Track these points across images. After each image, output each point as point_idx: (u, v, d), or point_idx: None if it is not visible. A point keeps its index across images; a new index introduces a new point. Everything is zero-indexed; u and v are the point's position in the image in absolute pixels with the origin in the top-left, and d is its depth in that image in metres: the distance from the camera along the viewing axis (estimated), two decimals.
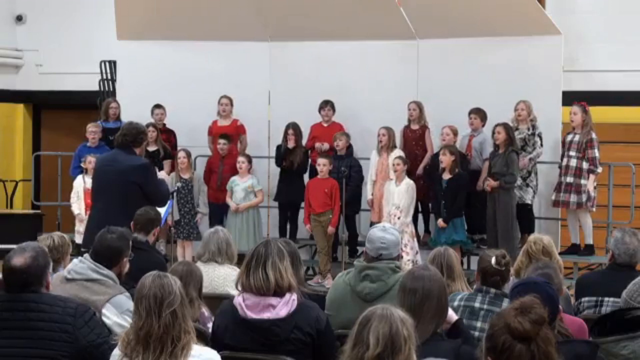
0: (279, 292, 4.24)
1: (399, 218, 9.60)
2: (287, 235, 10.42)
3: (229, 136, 10.75)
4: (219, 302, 4.73)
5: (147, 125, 10.59)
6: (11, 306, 4.05)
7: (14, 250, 4.19)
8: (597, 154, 9.68)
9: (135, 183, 7.29)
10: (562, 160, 9.88)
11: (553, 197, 9.94)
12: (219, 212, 10.59)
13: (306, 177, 10.67)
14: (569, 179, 9.76)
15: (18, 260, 4.10)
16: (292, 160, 10.47)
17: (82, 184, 10.26)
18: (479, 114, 10.16)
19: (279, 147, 10.67)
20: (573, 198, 9.75)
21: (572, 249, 9.95)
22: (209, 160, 10.94)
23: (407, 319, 3.33)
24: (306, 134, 10.78)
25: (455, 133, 10.06)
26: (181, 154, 10.49)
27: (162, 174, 8.24)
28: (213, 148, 11.02)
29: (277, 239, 4.47)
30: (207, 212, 10.54)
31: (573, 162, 9.75)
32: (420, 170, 10.33)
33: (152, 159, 10.19)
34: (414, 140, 10.44)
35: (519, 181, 9.88)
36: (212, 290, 5.91)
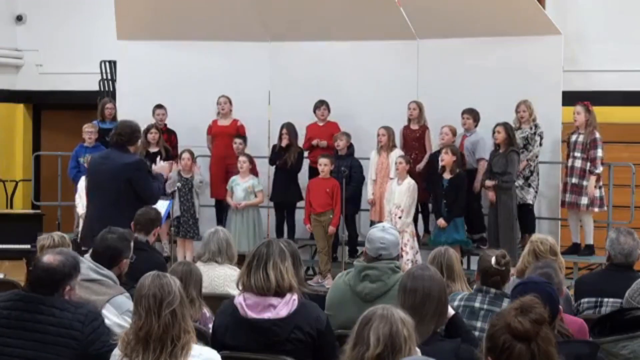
0: (280, 292, 4.24)
1: (399, 217, 9.60)
2: (285, 235, 10.43)
3: (243, 136, 10.75)
4: (219, 302, 4.73)
5: (149, 127, 10.63)
6: (23, 306, 4.04)
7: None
8: (599, 154, 9.67)
9: (127, 180, 7.32)
10: (567, 160, 9.89)
11: (560, 198, 9.95)
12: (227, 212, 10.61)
13: (300, 176, 10.67)
14: (574, 180, 9.76)
15: (47, 259, 4.14)
16: (286, 159, 10.47)
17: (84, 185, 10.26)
18: (471, 114, 10.17)
19: (274, 147, 10.68)
20: (578, 199, 9.75)
21: (573, 249, 9.95)
22: (216, 161, 10.88)
23: (408, 319, 3.33)
24: (302, 134, 10.79)
25: (454, 133, 10.06)
26: (185, 155, 10.49)
27: (173, 170, 8.18)
28: (212, 148, 11.02)
29: (279, 239, 4.47)
30: (203, 181, 10.54)
31: (578, 163, 9.75)
32: (420, 167, 10.32)
33: (154, 161, 10.21)
34: (414, 140, 10.45)
35: (521, 181, 9.89)
36: (212, 290, 5.91)
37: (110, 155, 7.57)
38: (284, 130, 10.51)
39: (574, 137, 9.84)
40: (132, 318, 3.74)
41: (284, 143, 10.47)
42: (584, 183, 9.70)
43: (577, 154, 9.76)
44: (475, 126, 10.18)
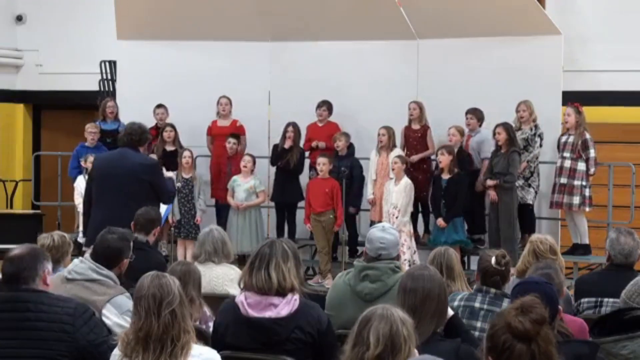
0: (281, 292, 4.24)
1: (397, 217, 9.60)
2: (286, 235, 10.42)
3: (238, 135, 10.76)
4: (219, 302, 4.73)
5: (165, 125, 10.67)
6: (10, 306, 4.05)
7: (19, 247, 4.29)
8: (592, 154, 9.71)
9: (146, 181, 7.36)
10: (557, 161, 9.91)
11: (550, 199, 9.97)
12: (225, 212, 10.59)
13: (302, 177, 10.66)
14: (563, 180, 9.78)
15: (14, 251, 4.18)
16: (289, 160, 10.46)
17: (83, 184, 10.23)
18: (475, 114, 10.16)
19: (275, 146, 10.66)
20: (567, 199, 9.77)
21: (573, 249, 9.96)
22: (216, 161, 10.91)
23: (407, 319, 3.33)
24: (303, 135, 10.78)
25: (461, 133, 10.06)
26: (186, 154, 10.48)
27: (168, 173, 8.41)
28: (212, 148, 11.02)
29: (282, 240, 4.48)
30: (205, 211, 10.54)
31: (567, 164, 9.77)
32: (414, 159, 10.31)
33: (170, 159, 10.26)
34: (415, 140, 10.44)
35: (521, 181, 9.89)
36: (211, 290, 5.91)
37: (125, 155, 7.58)
38: (290, 129, 10.47)
39: (563, 138, 9.87)
40: (132, 318, 3.74)
41: (288, 144, 10.45)
42: (575, 183, 9.72)
43: (567, 155, 9.78)
44: (480, 125, 10.16)
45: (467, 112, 10.17)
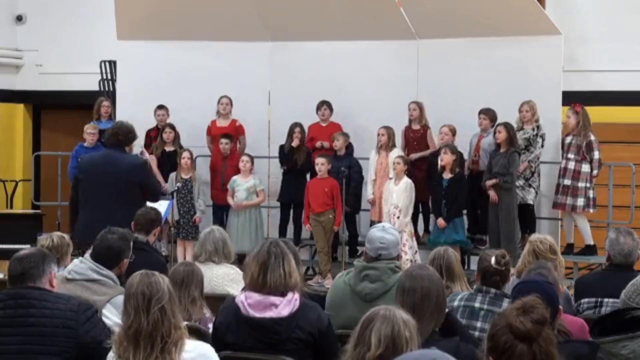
0: (282, 293, 4.25)
1: (397, 217, 9.60)
2: (292, 235, 10.40)
3: (231, 136, 10.77)
4: (219, 302, 4.73)
5: (164, 126, 10.68)
6: (14, 303, 4.07)
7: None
8: (596, 156, 9.72)
9: (135, 182, 7.33)
10: (561, 162, 9.91)
11: (553, 199, 9.97)
12: (220, 213, 10.59)
13: (309, 177, 10.67)
14: (567, 182, 9.78)
15: (23, 251, 4.26)
16: (297, 159, 10.47)
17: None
18: (488, 114, 10.11)
19: (282, 147, 10.65)
20: (570, 201, 9.78)
21: (568, 249, 9.95)
22: (212, 160, 10.93)
23: (410, 321, 3.33)
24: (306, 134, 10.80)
25: (453, 132, 10.05)
26: (186, 154, 10.49)
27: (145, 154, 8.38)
28: (212, 148, 11.02)
29: (283, 240, 4.48)
30: (205, 211, 10.54)
31: (571, 165, 9.78)
32: (414, 157, 10.29)
33: (170, 159, 10.25)
34: (415, 140, 10.44)
35: (522, 181, 9.89)
36: (211, 290, 5.91)
37: (112, 155, 7.55)
38: (297, 129, 10.48)
39: (568, 139, 9.88)
40: (122, 317, 3.75)
41: (296, 143, 10.45)
42: (579, 185, 9.72)
43: (571, 156, 9.79)
44: (492, 126, 10.10)
45: (480, 112, 10.13)
